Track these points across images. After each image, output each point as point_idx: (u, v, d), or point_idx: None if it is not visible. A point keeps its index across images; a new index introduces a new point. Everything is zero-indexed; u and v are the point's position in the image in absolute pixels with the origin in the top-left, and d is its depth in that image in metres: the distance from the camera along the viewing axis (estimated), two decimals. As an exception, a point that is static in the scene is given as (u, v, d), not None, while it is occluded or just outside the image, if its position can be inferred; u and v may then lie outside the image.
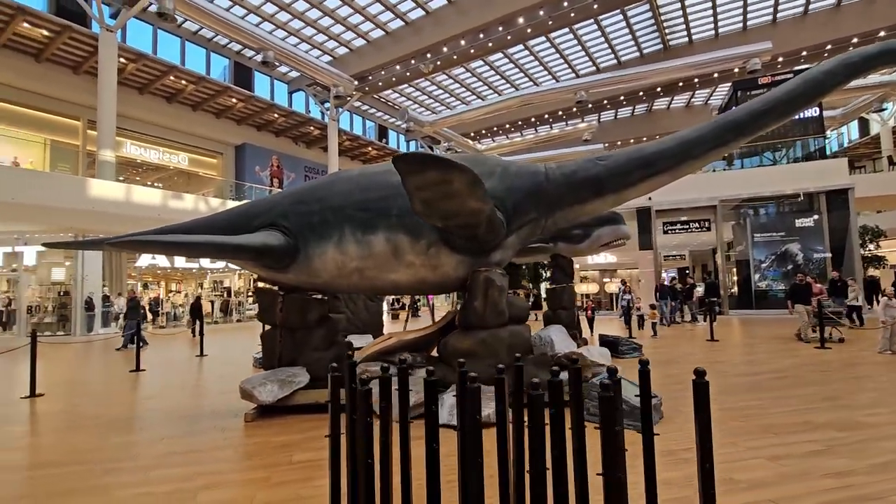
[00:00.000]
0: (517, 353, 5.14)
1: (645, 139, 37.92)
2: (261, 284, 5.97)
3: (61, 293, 17.35)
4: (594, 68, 29.16)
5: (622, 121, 36.97)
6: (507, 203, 5.35)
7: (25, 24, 16.63)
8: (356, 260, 5.26)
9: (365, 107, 33.35)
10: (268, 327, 5.99)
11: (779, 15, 23.79)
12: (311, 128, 28.66)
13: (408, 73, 25.36)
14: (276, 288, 5.88)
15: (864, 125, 33.84)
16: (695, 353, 9.07)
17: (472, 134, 36.25)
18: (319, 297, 5.95)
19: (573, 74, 29.77)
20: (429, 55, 23.53)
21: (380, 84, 26.59)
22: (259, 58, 21.17)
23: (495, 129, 35.76)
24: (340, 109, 27.55)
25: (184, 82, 21.79)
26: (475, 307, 5.17)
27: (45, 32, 17.26)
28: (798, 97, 5.45)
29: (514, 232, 5.54)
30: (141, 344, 11.91)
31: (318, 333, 5.70)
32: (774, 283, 18.09)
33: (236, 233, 5.54)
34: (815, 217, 17.33)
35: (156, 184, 23.37)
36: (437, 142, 34.72)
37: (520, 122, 34.19)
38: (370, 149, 33.13)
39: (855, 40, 22.12)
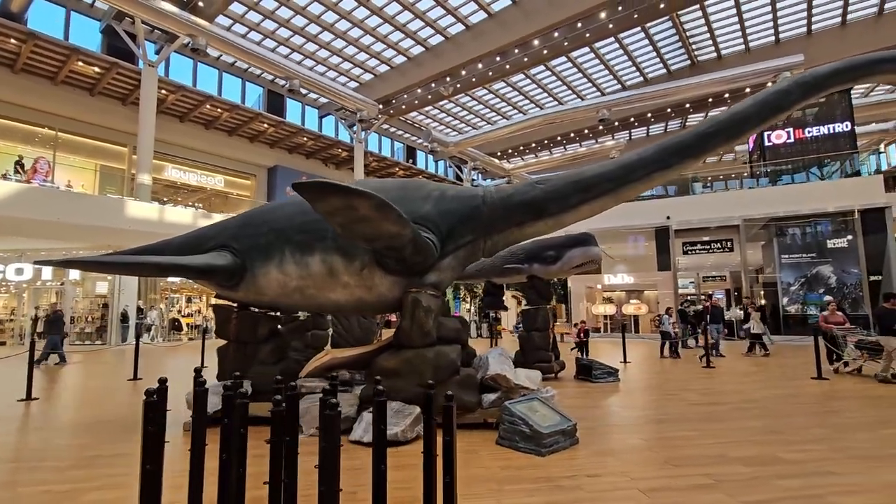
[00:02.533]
0: (442, 374, 5.26)
1: (679, 156, 36.77)
2: (219, 301, 6.38)
3: (100, 305, 18.83)
4: (620, 86, 28.82)
5: (655, 137, 36.00)
6: (441, 226, 5.51)
7: (80, 63, 18.56)
8: (296, 280, 5.55)
9: (393, 129, 34.40)
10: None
11: (814, 26, 22.72)
12: (339, 150, 29.83)
13: (429, 97, 26.08)
14: (232, 304, 6.28)
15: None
16: (676, 380, 8.68)
17: (500, 153, 36.47)
18: (271, 313, 6.29)
19: (599, 93, 29.52)
20: (448, 79, 24.14)
21: (403, 107, 27.47)
22: (286, 86, 22.53)
23: (522, 147, 35.88)
24: (366, 132, 28.64)
25: (219, 110, 23.42)
26: (403, 327, 5.31)
27: (97, 69, 19.17)
28: (747, 119, 5.37)
29: (451, 254, 5.66)
30: (60, 361, 12.01)
31: (265, 348, 6.00)
32: (814, 307, 16.87)
33: (193, 253, 6.00)
34: (849, 238, 16.17)
35: (196, 204, 25.02)
36: (464, 162, 35.20)
37: (546, 141, 34.13)
38: (397, 169, 33.99)
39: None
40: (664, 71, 27.20)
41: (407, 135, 35.69)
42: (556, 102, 30.86)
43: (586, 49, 24.56)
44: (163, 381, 2.78)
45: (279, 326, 6.46)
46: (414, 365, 5.16)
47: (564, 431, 4.47)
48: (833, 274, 16.41)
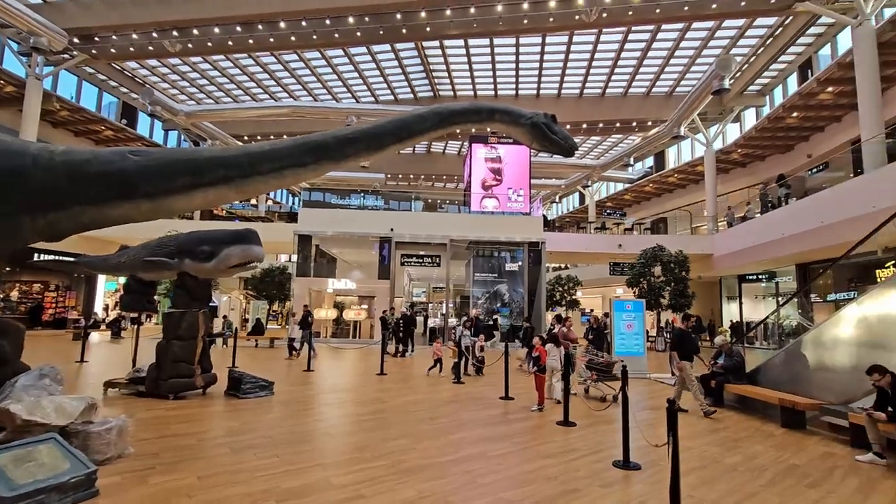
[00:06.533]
0: None
1: (423, 177, 40.43)
2: None
3: None
4: (373, 99, 29.76)
5: (405, 155, 38.46)
6: None
7: None
8: None
9: (103, 76, 27.26)
10: None
11: (542, 92, 27.85)
12: (3, 82, 21.67)
13: (151, 48, 21.45)
14: None
15: (582, 196, 42.36)
16: (335, 392, 8.60)
17: (247, 137, 33.04)
18: None
19: (354, 100, 29.83)
20: (175, 32, 20.31)
21: (113, 51, 21.85)
22: None
23: (273, 137, 33.28)
24: (55, 68, 21.77)
25: None
26: None
27: None
28: (386, 134, 5.43)
29: (-32, 230, 3.90)
30: None
31: None
32: (505, 318, 20.03)
33: None
34: (519, 263, 20.08)
35: None
36: (203, 139, 30.43)
37: (297, 136, 32.53)
38: (103, 127, 26.89)
39: (568, 126, 27.33)
40: (412, 95, 29.31)
41: (124, 89, 28.80)
42: (311, 98, 29.81)
43: (341, 52, 24.42)
44: None
45: None
46: None
47: (62, 487, 3.32)
48: (507, 291, 20.06)
